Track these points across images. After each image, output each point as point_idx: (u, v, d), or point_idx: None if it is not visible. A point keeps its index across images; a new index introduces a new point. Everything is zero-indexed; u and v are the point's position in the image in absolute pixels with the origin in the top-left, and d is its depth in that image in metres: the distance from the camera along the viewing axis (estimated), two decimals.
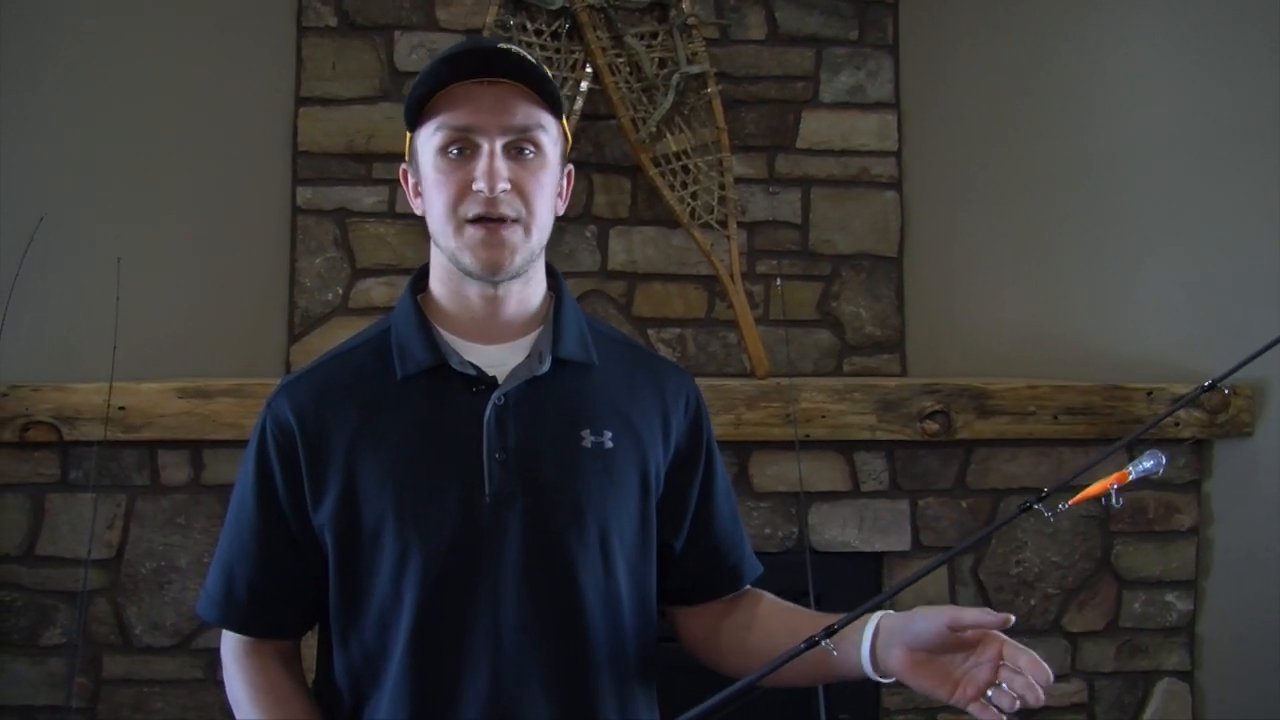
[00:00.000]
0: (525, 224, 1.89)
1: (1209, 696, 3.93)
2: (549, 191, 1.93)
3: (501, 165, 1.86)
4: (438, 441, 1.91)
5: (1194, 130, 3.91)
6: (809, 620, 1.98)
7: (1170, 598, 3.91)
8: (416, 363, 1.93)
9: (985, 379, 3.86)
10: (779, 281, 4.03)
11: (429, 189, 1.91)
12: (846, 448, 3.76)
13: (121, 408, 3.45)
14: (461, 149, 1.87)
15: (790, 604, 2.09)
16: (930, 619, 1.74)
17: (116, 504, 3.55)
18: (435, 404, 1.92)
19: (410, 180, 1.98)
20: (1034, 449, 3.81)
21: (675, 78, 3.90)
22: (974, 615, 1.72)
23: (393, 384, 1.94)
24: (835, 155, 4.17)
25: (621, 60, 3.92)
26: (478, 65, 1.88)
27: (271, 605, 2.00)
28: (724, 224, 3.92)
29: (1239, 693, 3.89)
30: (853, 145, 4.18)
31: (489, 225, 1.87)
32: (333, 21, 3.99)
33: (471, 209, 1.87)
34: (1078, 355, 4.02)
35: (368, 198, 3.97)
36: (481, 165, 1.86)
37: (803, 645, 1.73)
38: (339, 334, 3.83)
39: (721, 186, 3.94)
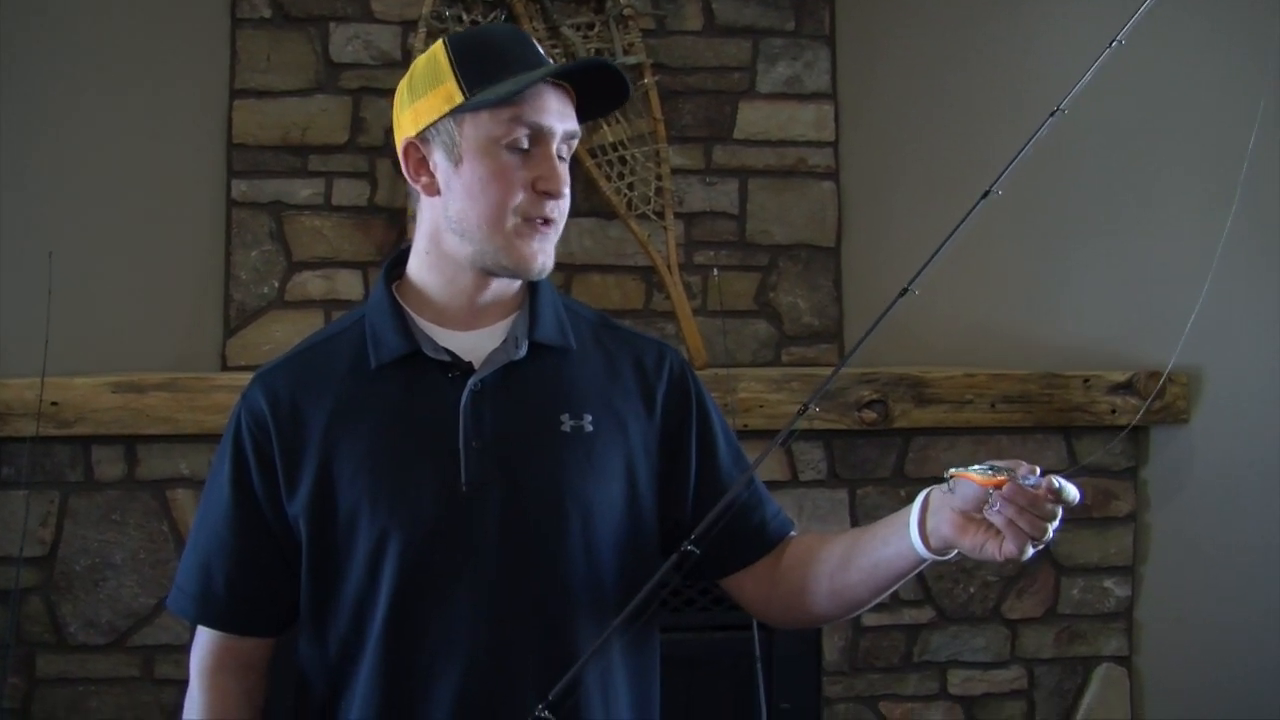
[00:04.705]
0: (558, 226, 1.91)
1: (1147, 681, 3.96)
2: None
3: (562, 168, 1.88)
4: (413, 429, 1.89)
5: (1128, 119, 3.94)
6: (852, 533, 1.99)
7: (1108, 584, 3.94)
8: (390, 351, 1.92)
9: (923, 368, 3.87)
10: (716, 272, 4.04)
11: (480, 179, 1.86)
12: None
13: (54, 403, 3.41)
14: (526, 147, 1.86)
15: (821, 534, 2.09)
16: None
17: (49, 501, 3.52)
18: (410, 392, 1.91)
19: (414, 157, 1.92)
20: (972, 437, 3.83)
21: None
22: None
23: (367, 373, 1.92)
24: (772, 146, 4.17)
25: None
26: (580, 70, 1.93)
27: (251, 600, 1.97)
28: (661, 215, 3.93)
29: (1177, 677, 3.93)
30: (790, 136, 4.18)
31: (543, 227, 1.88)
32: (267, 13, 3.95)
33: (535, 209, 1.86)
34: (1015, 344, 4.04)
35: (303, 190, 3.94)
36: (550, 167, 1.86)
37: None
38: (275, 327, 3.86)
39: (658, 177, 3.95)
